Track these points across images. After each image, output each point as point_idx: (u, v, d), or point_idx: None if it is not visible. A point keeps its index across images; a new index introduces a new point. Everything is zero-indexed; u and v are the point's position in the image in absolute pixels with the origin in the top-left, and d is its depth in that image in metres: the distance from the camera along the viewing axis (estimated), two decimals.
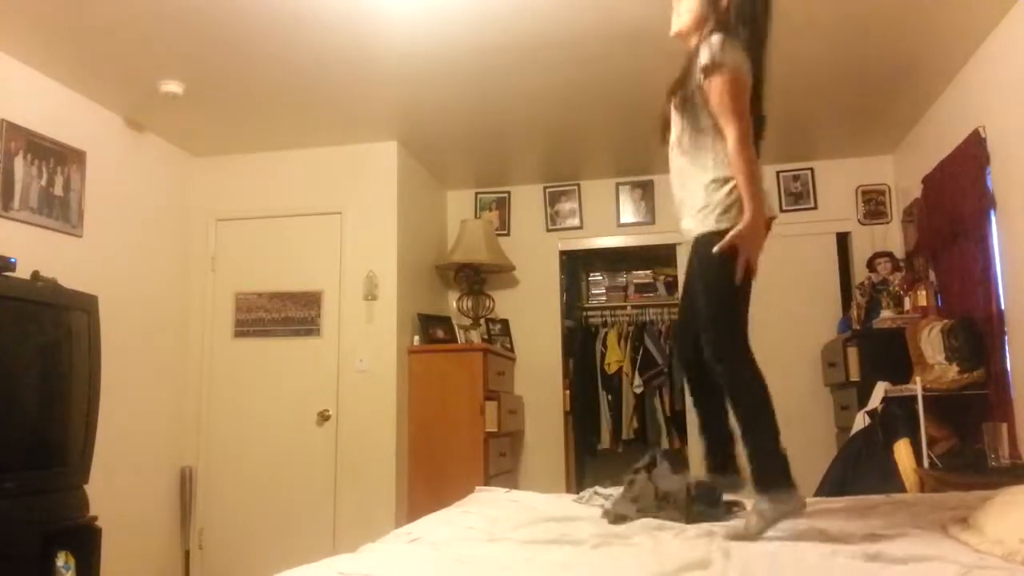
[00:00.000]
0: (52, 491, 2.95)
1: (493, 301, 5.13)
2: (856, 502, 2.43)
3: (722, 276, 1.97)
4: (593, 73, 3.62)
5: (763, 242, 1.99)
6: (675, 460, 2.33)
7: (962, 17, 3.18)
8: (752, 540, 1.79)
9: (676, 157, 2.15)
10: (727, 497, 2.18)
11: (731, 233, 1.92)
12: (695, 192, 2.06)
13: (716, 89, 1.98)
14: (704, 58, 2.00)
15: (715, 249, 1.93)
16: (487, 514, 2.27)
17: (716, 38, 2.00)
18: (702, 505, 2.06)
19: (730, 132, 1.96)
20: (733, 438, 2.11)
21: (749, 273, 1.97)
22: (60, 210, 3.58)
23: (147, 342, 4.15)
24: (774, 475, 1.88)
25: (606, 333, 5.68)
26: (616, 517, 2.10)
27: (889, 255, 4.46)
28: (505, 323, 5.17)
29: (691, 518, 2.02)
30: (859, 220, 4.87)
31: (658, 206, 5.14)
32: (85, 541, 3.02)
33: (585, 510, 2.35)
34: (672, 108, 2.16)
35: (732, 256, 1.94)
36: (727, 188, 1.98)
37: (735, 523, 1.93)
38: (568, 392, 5.21)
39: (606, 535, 1.92)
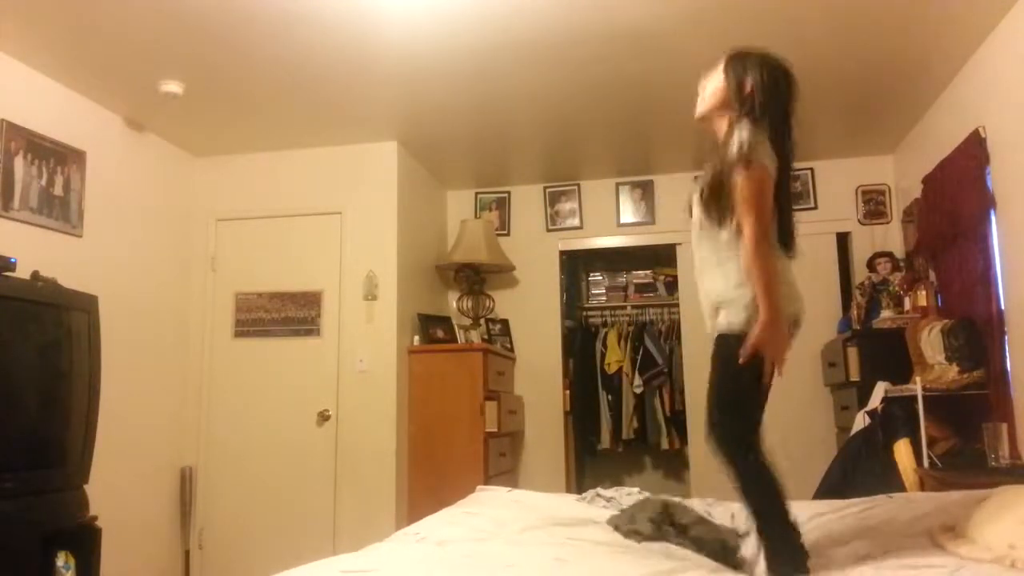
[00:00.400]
0: (52, 491, 2.95)
1: (493, 301, 5.13)
2: (850, 505, 2.43)
3: (739, 378, 1.90)
4: (593, 73, 3.62)
5: (787, 343, 1.92)
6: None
7: (962, 17, 3.18)
8: None
9: (698, 248, 2.07)
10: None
11: (749, 339, 1.85)
12: (717, 287, 1.99)
13: (739, 184, 1.91)
14: (733, 151, 1.92)
15: (741, 360, 1.86)
16: (491, 514, 2.27)
17: (746, 130, 1.93)
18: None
19: (747, 230, 1.89)
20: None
21: (773, 373, 1.90)
22: (60, 210, 3.58)
23: (147, 342, 4.15)
24: (787, 563, 1.76)
25: (606, 333, 5.68)
26: (630, 532, 2.07)
27: (889, 255, 4.46)
28: (505, 323, 5.17)
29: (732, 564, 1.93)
30: (859, 220, 4.87)
31: (658, 206, 5.14)
32: (85, 541, 3.02)
33: (591, 512, 2.35)
34: (695, 197, 2.08)
35: (754, 359, 1.86)
36: (750, 286, 1.90)
37: None
38: (568, 392, 5.20)
39: (612, 538, 1.92)
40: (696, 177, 2.11)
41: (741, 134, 1.93)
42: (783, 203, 2.03)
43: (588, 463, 5.72)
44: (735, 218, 1.94)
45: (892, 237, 4.73)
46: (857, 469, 3.54)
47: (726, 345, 1.92)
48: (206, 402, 4.47)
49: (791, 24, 3.13)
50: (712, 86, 2.10)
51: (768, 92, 2.00)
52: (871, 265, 4.47)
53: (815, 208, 4.91)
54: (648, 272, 5.92)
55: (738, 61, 2.07)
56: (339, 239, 4.47)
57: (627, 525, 2.09)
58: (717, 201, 1.98)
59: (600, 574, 1.63)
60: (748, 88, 2.01)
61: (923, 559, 1.70)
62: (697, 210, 2.06)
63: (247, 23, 3.11)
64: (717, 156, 2.01)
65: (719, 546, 1.96)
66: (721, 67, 2.09)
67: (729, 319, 1.93)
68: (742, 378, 1.89)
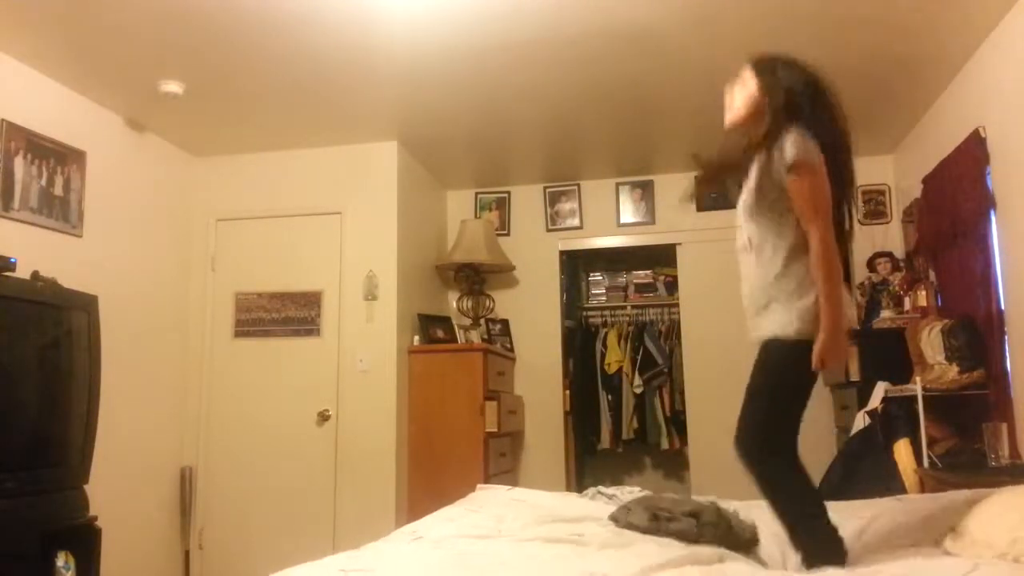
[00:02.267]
0: (52, 491, 2.95)
1: (493, 301, 5.13)
2: (852, 507, 2.42)
3: (789, 386, 1.90)
4: (593, 73, 3.62)
5: (845, 350, 1.88)
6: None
7: (962, 17, 3.18)
8: None
9: (748, 261, 2.05)
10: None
11: (816, 349, 1.82)
12: (770, 296, 1.95)
13: (797, 189, 1.89)
14: (788, 157, 1.89)
15: (814, 367, 1.82)
16: (491, 512, 2.27)
17: (795, 135, 1.91)
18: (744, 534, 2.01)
19: (813, 234, 1.88)
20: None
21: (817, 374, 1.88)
22: (60, 210, 3.58)
23: (147, 342, 4.15)
24: (824, 555, 1.76)
25: (606, 333, 5.68)
26: (627, 525, 2.08)
27: (889, 255, 4.46)
28: (505, 323, 5.17)
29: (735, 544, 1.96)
30: (859, 220, 4.86)
31: (658, 206, 5.14)
32: (85, 541, 3.02)
33: (592, 509, 2.35)
34: (741, 213, 2.07)
35: (806, 364, 1.84)
36: (810, 297, 1.89)
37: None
38: (568, 392, 5.20)
39: (611, 532, 1.92)
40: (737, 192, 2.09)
41: (787, 141, 1.90)
42: (838, 199, 1.99)
43: (588, 463, 5.71)
44: (795, 227, 1.92)
45: (892, 237, 4.73)
46: (857, 469, 3.54)
47: (777, 351, 1.89)
48: (206, 402, 4.47)
49: (791, 24, 3.13)
50: (743, 94, 2.08)
51: (805, 95, 1.99)
52: (871, 265, 4.46)
53: None
54: (648, 272, 5.91)
55: (767, 67, 2.05)
56: (339, 239, 4.47)
57: (625, 518, 2.10)
58: (765, 206, 1.96)
59: (596, 572, 1.63)
60: (784, 94, 1.99)
61: (929, 561, 1.69)
62: (747, 224, 2.03)
63: (247, 23, 3.11)
64: (756, 164, 1.99)
65: (725, 526, 1.97)
66: (748, 75, 2.07)
67: (781, 323, 1.89)
68: (792, 386, 1.88)
